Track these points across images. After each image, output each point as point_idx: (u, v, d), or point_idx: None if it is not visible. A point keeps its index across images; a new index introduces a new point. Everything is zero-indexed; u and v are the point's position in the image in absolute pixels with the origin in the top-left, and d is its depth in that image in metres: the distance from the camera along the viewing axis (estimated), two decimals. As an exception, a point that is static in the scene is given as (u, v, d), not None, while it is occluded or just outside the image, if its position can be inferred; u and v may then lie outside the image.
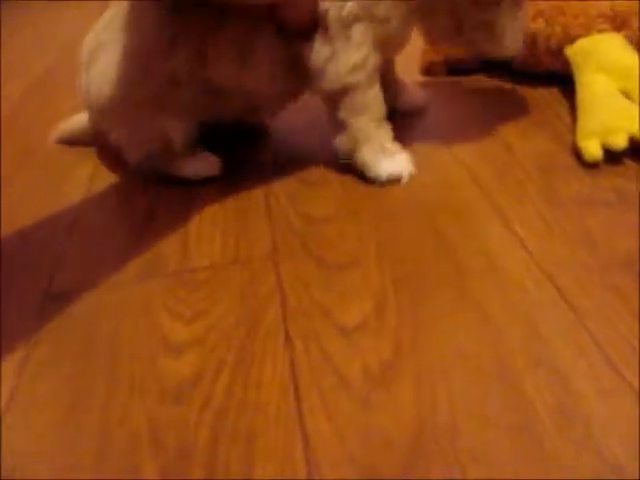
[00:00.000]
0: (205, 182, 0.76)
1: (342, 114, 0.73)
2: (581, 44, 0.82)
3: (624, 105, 0.72)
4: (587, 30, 0.83)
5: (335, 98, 0.72)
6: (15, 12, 1.90)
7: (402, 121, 0.81)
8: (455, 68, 0.96)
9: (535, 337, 0.48)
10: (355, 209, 0.67)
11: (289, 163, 0.78)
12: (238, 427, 0.44)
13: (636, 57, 0.77)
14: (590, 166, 0.69)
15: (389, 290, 0.54)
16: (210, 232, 0.67)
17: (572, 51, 0.82)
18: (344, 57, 0.70)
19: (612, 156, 0.68)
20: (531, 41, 0.85)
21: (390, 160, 0.73)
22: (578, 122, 0.74)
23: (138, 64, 0.74)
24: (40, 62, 1.37)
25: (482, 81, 0.93)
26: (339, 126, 0.73)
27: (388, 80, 0.82)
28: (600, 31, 0.82)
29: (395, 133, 0.74)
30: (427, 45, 0.97)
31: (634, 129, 0.68)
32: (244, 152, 0.83)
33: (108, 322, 0.57)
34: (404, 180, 0.72)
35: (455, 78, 0.95)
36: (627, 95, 0.73)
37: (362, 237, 0.62)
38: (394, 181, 0.71)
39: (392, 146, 0.74)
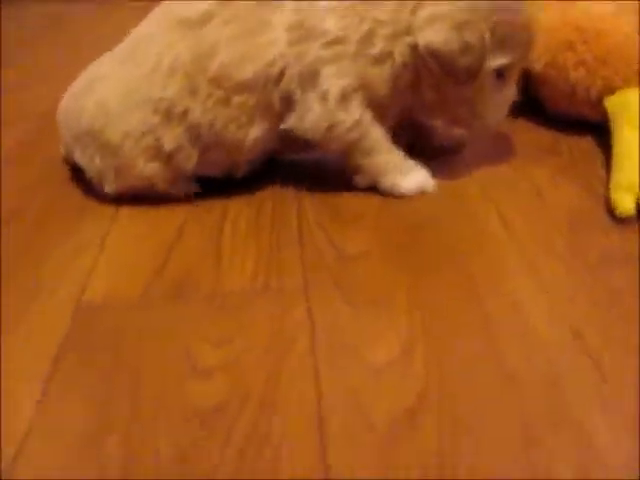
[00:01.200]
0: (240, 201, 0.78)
1: (352, 161, 0.78)
2: (620, 96, 0.83)
3: None
4: (628, 84, 0.83)
5: (341, 152, 0.78)
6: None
7: (436, 156, 0.83)
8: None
9: (559, 396, 0.48)
10: (388, 246, 0.68)
11: (323, 189, 0.80)
12: (261, 459, 0.45)
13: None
14: (621, 220, 0.69)
15: (417, 333, 0.55)
16: (242, 256, 0.68)
17: (611, 103, 0.83)
18: (342, 124, 0.76)
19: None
20: (571, 90, 0.86)
21: (410, 176, 0.78)
22: (612, 175, 0.75)
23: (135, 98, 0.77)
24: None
25: (518, 123, 0.93)
26: (353, 169, 0.78)
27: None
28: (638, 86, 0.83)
29: (429, 167, 0.79)
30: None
31: None
32: (281, 174, 0.84)
33: (135, 341, 0.58)
34: (429, 191, 0.78)
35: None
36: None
37: (394, 277, 0.63)
38: (420, 193, 0.77)
39: (407, 164, 0.79)
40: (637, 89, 0.83)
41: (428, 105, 0.79)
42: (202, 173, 0.80)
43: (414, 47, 0.74)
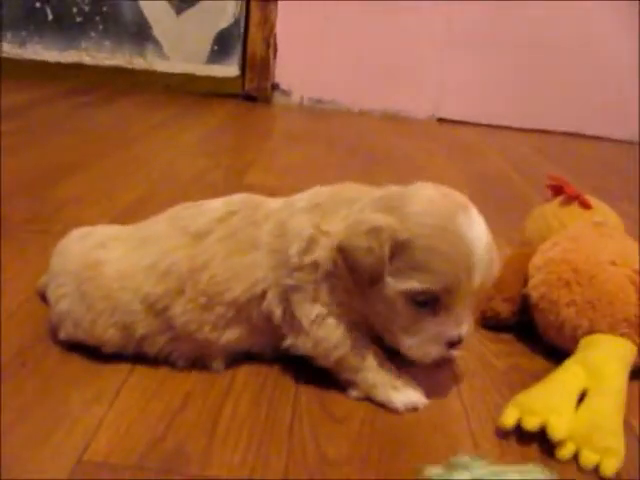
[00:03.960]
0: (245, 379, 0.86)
1: (344, 376, 0.84)
2: (592, 337, 0.91)
3: (558, 396, 0.81)
4: (611, 330, 0.91)
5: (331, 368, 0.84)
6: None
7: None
8: (491, 320, 1.05)
9: None
10: (368, 455, 0.74)
11: (321, 380, 0.86)
12: None
13: (621, 374, 0.85)
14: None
15: None
16: (234, 443, 0.74)
17: (583, 340, 0.91)
18: (325, 341, 0.81)
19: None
20: (560, 325, 0.94)
21: (403, 394, 0.82)
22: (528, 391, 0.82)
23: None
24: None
25: (511, 343, 1.01)
26: (345, 382, 0.84)
27: None
28: (622, 335, 0.91)
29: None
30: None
31: (550, 420, 0.76)
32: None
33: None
34: (420, 407, 0.82)
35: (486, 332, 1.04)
36: (584, 392, 0.82)
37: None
38: (412, 409, 0.82)
39: (400, 382, 0.83)
40: (616, 337, 0.90)
41: (378, 332, 0.83)
42: (169, 359, 0.86)
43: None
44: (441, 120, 2.92)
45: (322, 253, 0.79)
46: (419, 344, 0.79)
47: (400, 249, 0.75)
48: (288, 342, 0.84)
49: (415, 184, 0.82)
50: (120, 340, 0.85)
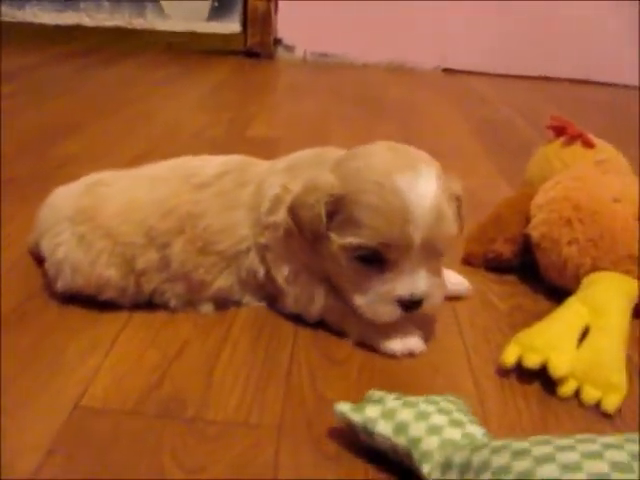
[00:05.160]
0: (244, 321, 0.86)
1: (335, 327, 0.86)
2: (595, 275, 0.90)
3: (559, 334, 0.80)
4: (614, 267, 0.90)
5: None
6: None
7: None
8: (493, 262, 1.04)
9: None
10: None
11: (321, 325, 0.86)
12: None
13: (623, 310, 0.84)
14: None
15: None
16: (231, 384, 0.74)
17: (586, 279, 0.90)
18: (302, 297, 0.85)
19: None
20: (562, 264, 0.93)
21: (398, 341, 0.81)
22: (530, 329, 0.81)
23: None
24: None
25: (514, 284, 1.00)
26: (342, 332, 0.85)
27: None
28: (626, 272, 0.89)
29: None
30: (470, 237, 1.05)
31: (551, 357, 0.76)
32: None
33: (121, 449, 0.64)
34: (417, 352, 0.81)
35: (489, 274, 1.03)
36: (586, 329, 0.81)
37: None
38: (409, 355, 0.81)
39: (393, 328, 0.81)
40: (620, 274, 0.89)
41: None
42: (159, 301, 0.87)
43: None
44: (447, 70, 2.88)
45: (283, 212, 0.82)
46: (369, 303, 0.78)
47: (339, 205, 0.77)
48: (278, 303, 0.87)
49: (375, 143, 0.82)
50: (119, 280, 0.85)
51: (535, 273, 1.00)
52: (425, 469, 0.58)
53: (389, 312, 0.78)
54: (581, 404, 0.74)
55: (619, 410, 0.73)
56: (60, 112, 1.84)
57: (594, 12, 2.74)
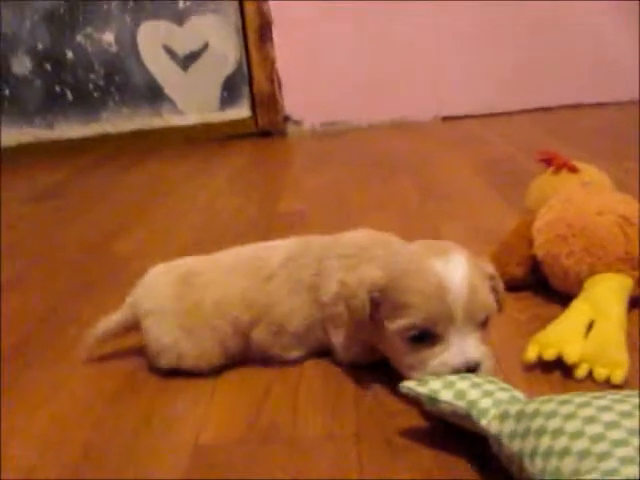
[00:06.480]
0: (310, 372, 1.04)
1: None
2: (595, 277, 1.08)
3: (569, 329, 0.97)
4: (608, 269, 1.08)
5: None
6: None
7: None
8: (509, 283, 1.19)
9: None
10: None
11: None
12: None
13: (620, 302, 1.02)
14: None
15: None
16: (313, 409, 0.93)
17: (587, 281, 1.08)
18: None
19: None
20: (564, 274, 1.11)
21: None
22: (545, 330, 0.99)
23: None
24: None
25: (529, 298, 1.18)
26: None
27: None
28: (618, 271, 1.07)
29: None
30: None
31: (564, 349, 0.93)
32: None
33: (239, 473, 0.82)
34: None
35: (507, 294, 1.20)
36: (590, 325, 0.98)
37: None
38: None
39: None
40: (614, 274, 1.07)
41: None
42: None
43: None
44: (446, 118, 3.07)
45: (342, 304, 0.95)
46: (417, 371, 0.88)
47: (385, 293, 0.88)
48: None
49: (416, 241, 0.96)
50: (216, 362, 1.04)
51: (546, 286, 1.18)
52: (483, 422, 0.75)
53: None
54: (594, 382, 0.91)
55: (625, 381, 0.90)
56: (102, 219, 2.03)
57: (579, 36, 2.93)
